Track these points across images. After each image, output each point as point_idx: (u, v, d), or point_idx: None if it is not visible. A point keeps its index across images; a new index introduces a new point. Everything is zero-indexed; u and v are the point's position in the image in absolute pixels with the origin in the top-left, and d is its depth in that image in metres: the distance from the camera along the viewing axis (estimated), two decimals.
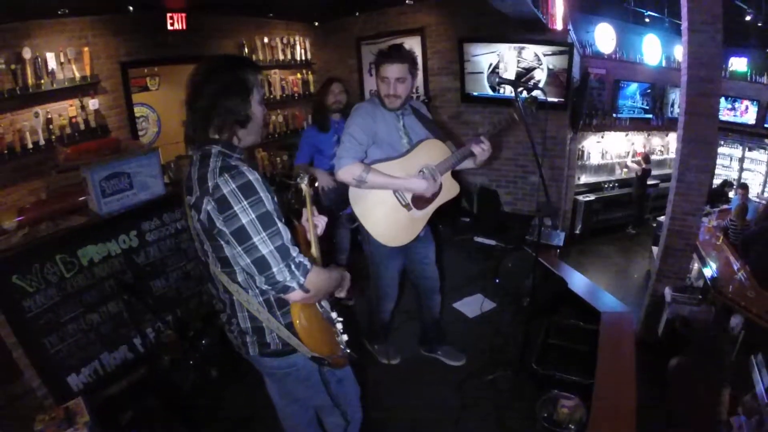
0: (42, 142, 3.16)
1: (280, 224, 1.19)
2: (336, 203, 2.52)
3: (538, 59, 4.36)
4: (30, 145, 3.10)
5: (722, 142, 8.09)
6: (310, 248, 1.43)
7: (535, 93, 2.14)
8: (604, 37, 6.38)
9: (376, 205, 2.08)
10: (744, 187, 6.30)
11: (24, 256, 2.17)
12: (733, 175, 8.21)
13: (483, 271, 3.76)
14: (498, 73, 4.50)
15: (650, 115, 6.83)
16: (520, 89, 2.12)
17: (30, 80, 3.08)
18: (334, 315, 1.48)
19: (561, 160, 4.66)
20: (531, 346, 2.56)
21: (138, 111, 4.39)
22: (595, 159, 6.71)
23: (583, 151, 6.51)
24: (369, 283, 2.44)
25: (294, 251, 1.21)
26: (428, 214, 2.19)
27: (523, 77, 4.40)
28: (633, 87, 6.56)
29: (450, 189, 2.20)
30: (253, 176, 1.17)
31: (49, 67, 3.17)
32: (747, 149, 8.15)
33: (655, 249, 4.84)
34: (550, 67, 4.34)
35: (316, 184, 2.79)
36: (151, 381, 2.55)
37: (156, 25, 3.80)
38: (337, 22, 5.29)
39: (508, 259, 3.45)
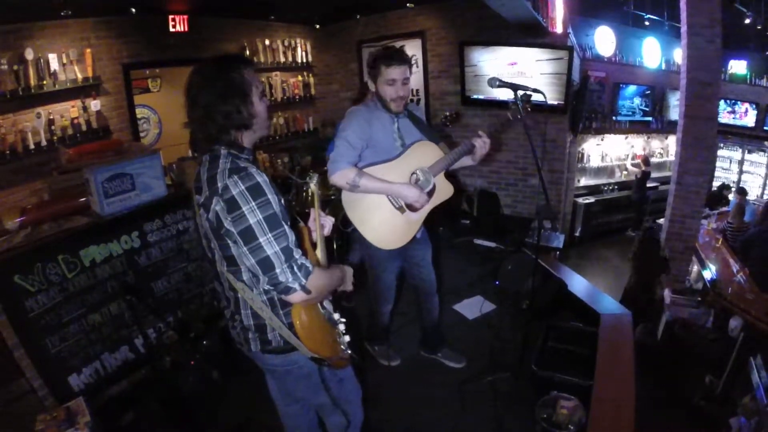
0: (44, 142, 3.17)
1: (286, 226, 1.21)
2: None
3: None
4: (32, 146, 3.12)
5: (722, 145, 8.12)
6: (315, 249, 1.44)
7: (535, 97, 2.15)
8: (603, 40, 6.41)
9: (371, 209, 2.08)
10: (742, 192, 6.32)
11: (26, 257, 2.17)
12: (732, 177, 8.24)
13: (483, 273, 3.76)
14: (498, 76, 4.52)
15: (650, 118, 6.85)
16: (520, 92, 2.13)
17: (32, 81, 3.10)
18: (336, 316, 1.49)
19: (561, 162, 4.68)
20: (531, 347, 2.57)
21: (139, 112, 4.40)
22: (594, 162, 6.73)
23: (582, 154, 6.54)
24: (367, 286, 2.44)
25: (297, 253, 1.22)
26: (423, 217, 2.19)
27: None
28: (632, 90, 6.58)
29: (444, 191, 2.20)
30: (261, 178, 1.19)
31: (52, 68, 3.19)
32: (746, 152, 8.19)
33: None
34: (550, 70, 4.36)
35: None
36: (152, 382, 2.55)
37: (158, 27, 3.82)
38: (338, 25, 5.32)
39: (508, 262, 3.46)
